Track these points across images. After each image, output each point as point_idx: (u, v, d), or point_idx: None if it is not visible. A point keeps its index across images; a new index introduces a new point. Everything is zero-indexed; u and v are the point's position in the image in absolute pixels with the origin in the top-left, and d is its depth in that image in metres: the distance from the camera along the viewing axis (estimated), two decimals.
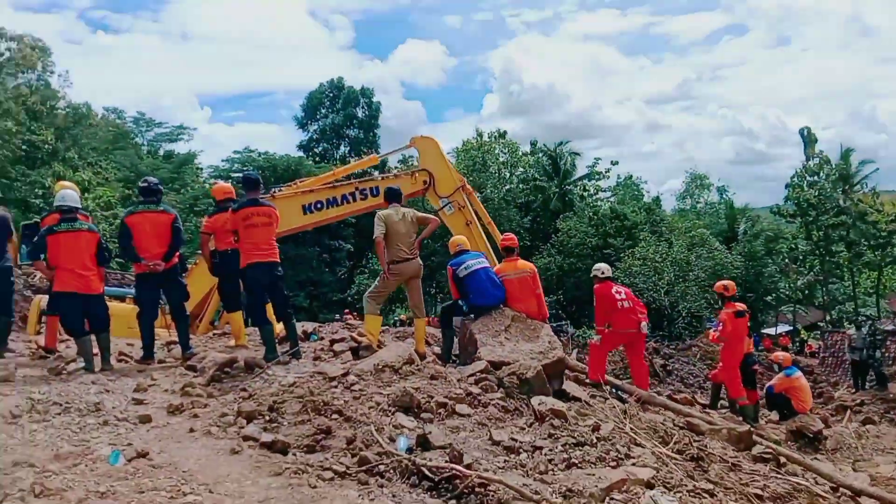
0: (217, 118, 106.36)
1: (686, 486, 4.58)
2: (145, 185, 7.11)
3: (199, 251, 8.20)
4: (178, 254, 7.03)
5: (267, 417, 5.04)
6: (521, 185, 47.35)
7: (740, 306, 9.68)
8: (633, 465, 4.69)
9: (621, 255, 35.34)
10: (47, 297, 7.45)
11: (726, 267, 33.00)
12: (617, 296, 8.44)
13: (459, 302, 7.48)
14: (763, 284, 40.77)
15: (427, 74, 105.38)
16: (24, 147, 35.31)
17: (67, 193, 6.73)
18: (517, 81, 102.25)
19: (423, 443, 4.48)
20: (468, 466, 4.11)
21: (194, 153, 45.72)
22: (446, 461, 4.17)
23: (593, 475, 4.35)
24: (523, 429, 5.28)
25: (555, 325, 28.05)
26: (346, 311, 32.84)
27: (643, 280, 31.68)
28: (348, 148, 52.12)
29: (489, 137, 49.51)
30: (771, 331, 44.07)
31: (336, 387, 5.65)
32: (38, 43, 37.66)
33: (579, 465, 4.54)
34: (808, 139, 41.52)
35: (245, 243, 6.71)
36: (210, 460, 4.29)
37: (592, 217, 41.53)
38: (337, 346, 6.89)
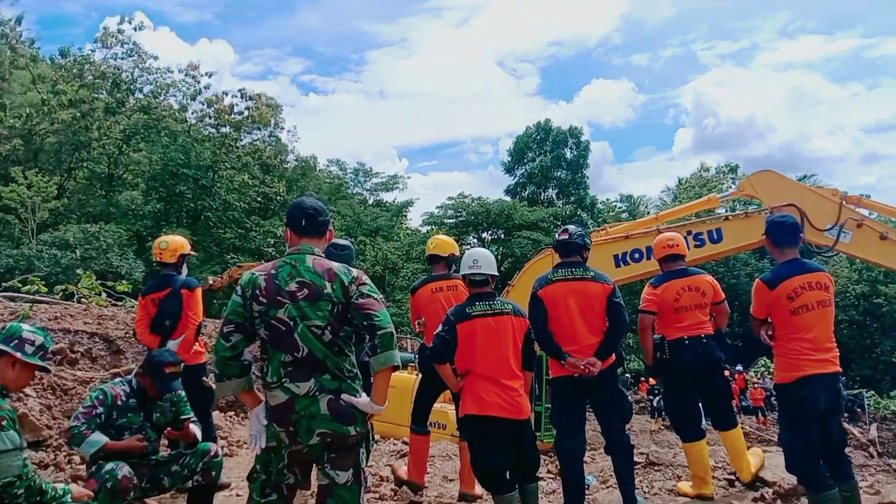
0: (412, 168, 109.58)
1: None
2: (565, 237, 4.64)
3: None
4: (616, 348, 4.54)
5: None
6: None
7: None
8: None
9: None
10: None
11: None
12: None
13: None
14: None
15: (614, 112, 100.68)
16: (258, 199, 37.12)
17: (481, 254, 4.35)
18: (712, 115, 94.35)
19: None
20: None
21: (411, 200, 45.77)
22: None
23: None
24: None
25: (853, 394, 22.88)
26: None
27: None
28: (556, 190, 49.93)
29: (717, 172, 44.72)
30: None
31: None
32: (271, 101, 39.87)
33: None
34: None
35: (788, 341, 3.98)
36: None
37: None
38: None
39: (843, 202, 7.85)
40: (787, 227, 4.20)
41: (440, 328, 4.19)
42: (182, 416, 4.16)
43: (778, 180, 8.69)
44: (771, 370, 29.08)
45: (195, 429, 4.17)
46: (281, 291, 2.93)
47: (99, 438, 3.78)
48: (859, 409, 21.95)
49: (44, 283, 11.73)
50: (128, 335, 8.71)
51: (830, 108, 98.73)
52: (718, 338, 4.97)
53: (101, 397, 3.98)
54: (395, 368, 2.96)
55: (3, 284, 12.43)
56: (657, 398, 20.43)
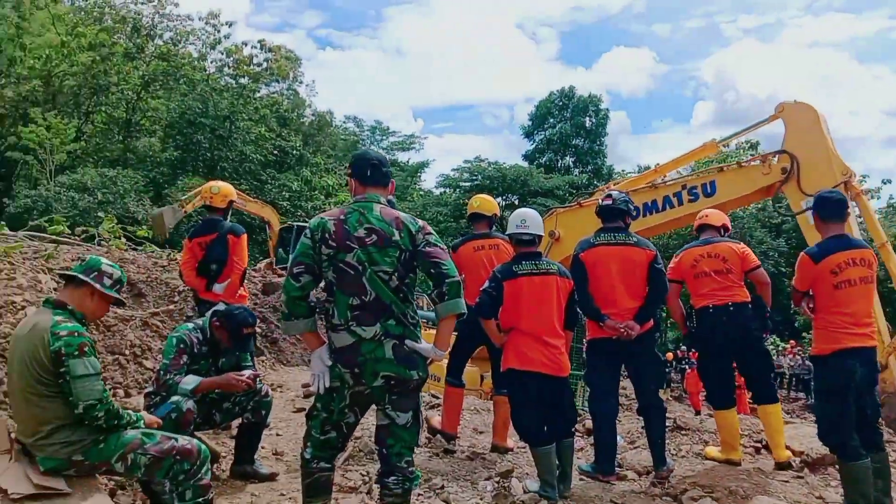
0: (427, 129, 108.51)
1: None
2: (609, 202, 4.67)
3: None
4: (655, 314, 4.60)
5: None
6: (775, 203, 41.49)
7: None
8: None
9: None
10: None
11: None
12: None
13: None
14: None
15: (634, 82, 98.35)
16: (274, 152, 37.00)
17: (529, 214, 4.40)
18: (732, 89, 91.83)
19: None
20: None
21: (427, 161, 45.63)
22: None
23: None
24: None
25: None
26: None
27: None
28: (574, 158, 49.49)
29: (736, 147, 44.15)
30: None
31: None
32: (290, 54, 39.47)
33: None
34: None
35: (828, 314, 3.98)
36: None
37: None
38: None
39: (844, 185, 7.02)
40: (834, 202, 4.17)
41: (487, 284, 4.26)
42: (243, 365, 4.24)
43: (812, 119, 7.86)
44: (780, 348, 29.15)
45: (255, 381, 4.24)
46: (350, 236, 3.00)
47: (192, 381, 3.86)
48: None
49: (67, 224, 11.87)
50: (149, 279, 8.85)
51: (853, 89, 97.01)
52: (756, 308, 4.94)
53: (182, 346, 4.00)
54: (461, 316, 3.03)
55: (30, 223, 12.56)
56: (667, 370, 20.71)
